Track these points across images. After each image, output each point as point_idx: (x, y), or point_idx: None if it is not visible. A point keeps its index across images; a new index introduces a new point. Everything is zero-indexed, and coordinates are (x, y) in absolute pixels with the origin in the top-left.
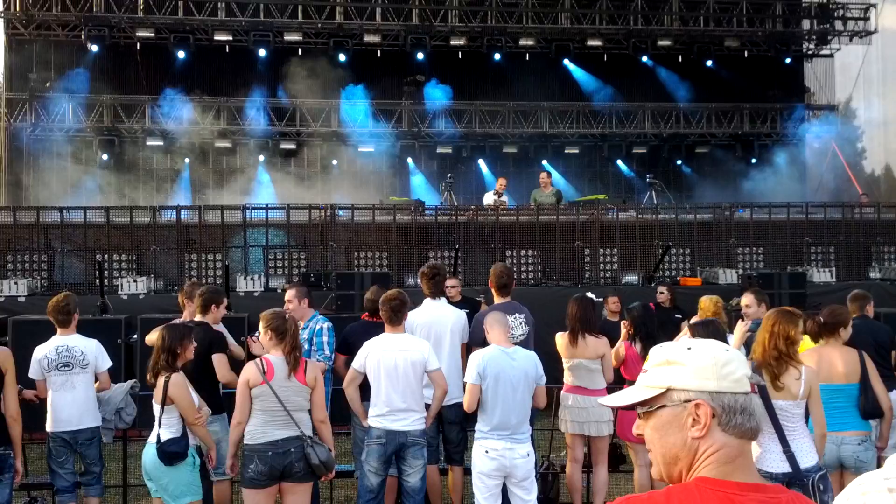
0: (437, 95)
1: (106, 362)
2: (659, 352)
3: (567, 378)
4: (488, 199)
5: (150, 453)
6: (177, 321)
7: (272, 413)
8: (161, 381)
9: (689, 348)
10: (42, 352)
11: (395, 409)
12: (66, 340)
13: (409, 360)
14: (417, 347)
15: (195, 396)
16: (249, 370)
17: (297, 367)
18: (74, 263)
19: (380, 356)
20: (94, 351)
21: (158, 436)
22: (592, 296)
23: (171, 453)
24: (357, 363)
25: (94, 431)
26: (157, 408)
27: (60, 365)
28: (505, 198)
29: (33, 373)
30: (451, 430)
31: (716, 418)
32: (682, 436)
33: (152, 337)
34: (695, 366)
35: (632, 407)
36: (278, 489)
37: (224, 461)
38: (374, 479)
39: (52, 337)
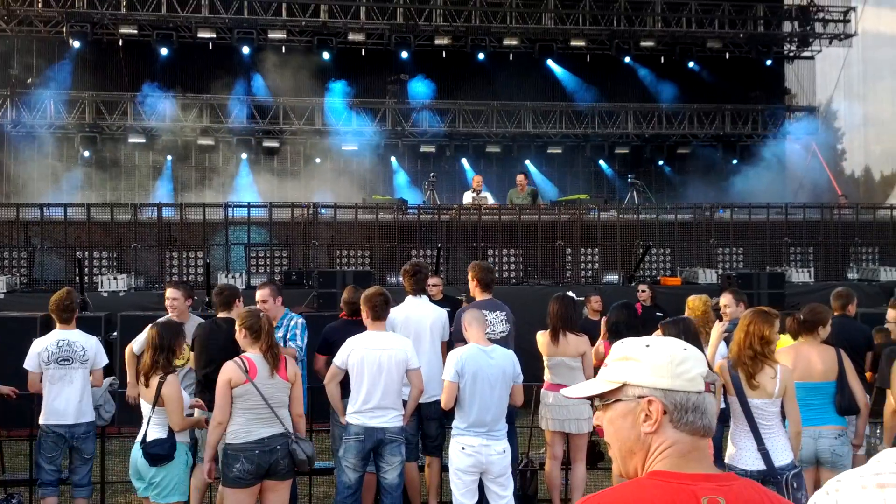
0: (420, 89)
1: (103, 359)
2: (619, 347)
3: (547, 376)
4: (467, 197)
5: (139, 452)
6: (164, 319)
7: (256, 412)
8: (155, 380)
9: (647, 345)
10: (42, 344)
11: (375, 407)
12: (68, 335)
13: (394, 359)
14: (400, 345)
15: (186, 398)
16: (231, 370)
17: (279, 364)
18: (54, 261)
19: (363, 353)
20: (93, 347)
21: (144, 435)
22: (573, 295)
23: (155, 455)
24: (339, 360)
25: (90, 426)
26: (146, 408)
27: (60, 359)
28: (485, 193)
29: (30, 364)
30: (430, 425)
31: (667, 415)
32: (637, 430)
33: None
34: (651, 363)
35: (591, 399)
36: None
37: None
38: (353, 476)
39: (51, 331)
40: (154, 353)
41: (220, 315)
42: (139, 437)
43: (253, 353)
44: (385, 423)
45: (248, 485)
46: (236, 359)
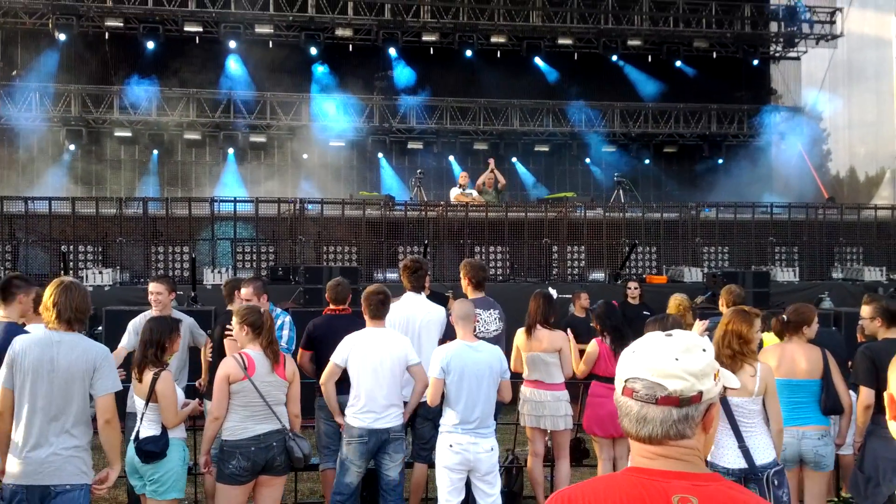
0: (405, 76)
1: None
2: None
3: (525, 372)
4: (454, 193)
5: (133, 450)
6: (152, 314)
7: (252, 408)
8: (149, 376)
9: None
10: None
11: (378, 406)
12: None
13: (394, 356)
14: (399, 342)
15: (180, 395)
16: (229, 365)
17: (278, 362)
18: (39, 254)
19: (364, 352)
20: None
21: (138, 432)
22: (554, 291)
23: (148, 452)
24: (338, 358)
25: None
26: (139, 403)
27: None
28: (470, 190)
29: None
30: (424, 426)
31: None
32: None
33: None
34: None
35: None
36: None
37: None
38: (355, 477)
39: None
40: (144, 347)
41: (228, 308)
42: (133, 434)
43: (252, 350)
44: (388, 424)
45: (243, 482)
46: (235, 354)
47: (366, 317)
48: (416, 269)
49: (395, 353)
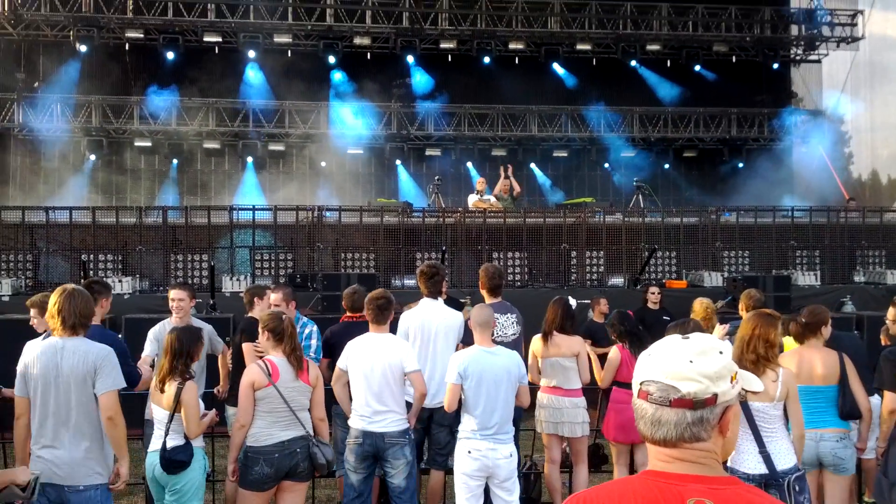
0: (423, 83)
1: None
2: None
3: (542, 378)
4: (472, 199)
5: (156, 461)
6: (172, 321)
7: (277, 414)
8: (172, 386)
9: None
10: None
11: (371, 411)
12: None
13: (387, 362)
14: (396, 348)
15: (201, 406)
16: (254, 372)
17: (302, 368)
18: (59, 263)
19: (358, 357)
20: None
21: (164, 443)
22: (574, 301)
23: (177, 462)
24: (341, 362)
25: None
26: (158, 412)
27: None
28: (488, 196)
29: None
30: (440, 432)
31: None
32: None
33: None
34: None
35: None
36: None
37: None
38: (354, 478)
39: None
40: (173, 358)
41: (248, 315)
42: (155, 445)
43: (276, 356)
44: (383, 428)
45: (266, 488)
46: (259, 361)
47: (369, 322)
48: (433, 275)
49: (389, 359)
